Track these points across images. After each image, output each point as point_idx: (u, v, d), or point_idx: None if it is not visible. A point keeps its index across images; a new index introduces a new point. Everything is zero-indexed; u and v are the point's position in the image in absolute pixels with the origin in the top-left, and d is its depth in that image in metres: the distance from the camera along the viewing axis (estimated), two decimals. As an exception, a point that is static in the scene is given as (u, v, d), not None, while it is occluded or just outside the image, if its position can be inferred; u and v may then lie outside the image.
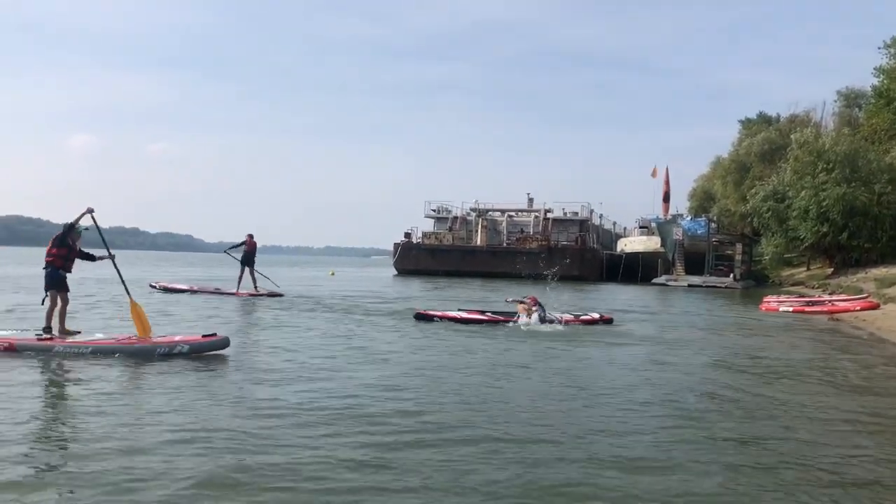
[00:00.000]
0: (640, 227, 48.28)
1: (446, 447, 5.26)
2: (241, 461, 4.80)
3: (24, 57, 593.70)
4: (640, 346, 11.54)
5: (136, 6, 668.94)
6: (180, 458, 4.84)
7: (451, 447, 5.26)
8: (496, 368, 8.87)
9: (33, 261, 55.88)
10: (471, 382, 7.85)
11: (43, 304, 9.65)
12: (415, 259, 45.54)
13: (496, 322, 13.86)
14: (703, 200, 58.98)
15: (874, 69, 38.16)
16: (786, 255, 43.95)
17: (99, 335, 9.62)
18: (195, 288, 21.06)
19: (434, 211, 50.76)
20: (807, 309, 19.97)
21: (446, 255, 45.03)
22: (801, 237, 34.49)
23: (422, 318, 14.19)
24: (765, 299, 22.21)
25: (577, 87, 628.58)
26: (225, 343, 9.07)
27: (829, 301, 20.89)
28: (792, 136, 37.90)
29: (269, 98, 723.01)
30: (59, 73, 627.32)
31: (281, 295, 19.96)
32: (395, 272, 45.18)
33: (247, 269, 20.66)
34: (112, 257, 9.90)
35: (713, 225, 46.46)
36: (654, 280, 41.31)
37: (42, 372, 8.02)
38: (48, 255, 9.57)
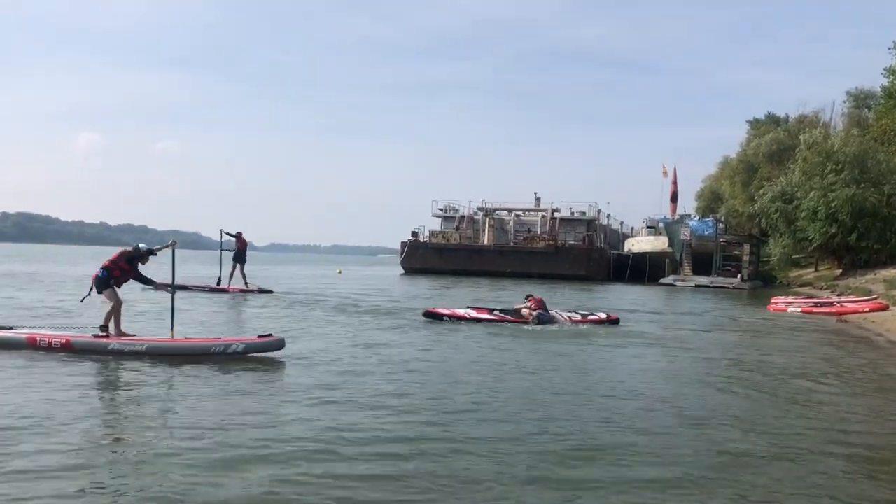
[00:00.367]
0: (648, 227, 48.13)
1: (455, 450, 5.33)
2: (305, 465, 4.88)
3: (31, 55, 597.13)
4: (647, 347, 11.56)
5: (141, 5, 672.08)
6: (243, 460, 4.89)
7: (462, 450, 5.32)
8: (502, 369, 8.92)
9: (42, 258, 56.01)
10: (472, 381, 7.91)
11: (82, 301, 9.90)
12: (422, 258, 45.57)
13: (504, 321, 13.93)
14: (710, 201, 58.82)
15: (884, 70, 37.94)
16: (794, 256, 43.81)
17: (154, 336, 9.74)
18: (189, 286, 21.12)
19: (441, 210, 50.79)
20: (815, 310, 19.92)
21: (453, 254, 45.05)
22: (810, 238, 34.38)
23: (431, 316, 14.28)
24: (773, 300, 22.15)
25: (584, 87, 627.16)
26: (280, 344, 9.07)
27: (838, 302, 20.84)
28: (801, 137, 37.74)
29: (276, 97, 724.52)
30: (65, 71, 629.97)
31: (270, 291, 20.45)
32: (402, 271, 45.28)
33: (237, 266, 21.05)
34: (173, 291, 9.54)
35: (721, 225, 46.34)
36: (662, 280, 41.23)
37: (98, 370, 8.16)
38: (113, 264, 9.65)
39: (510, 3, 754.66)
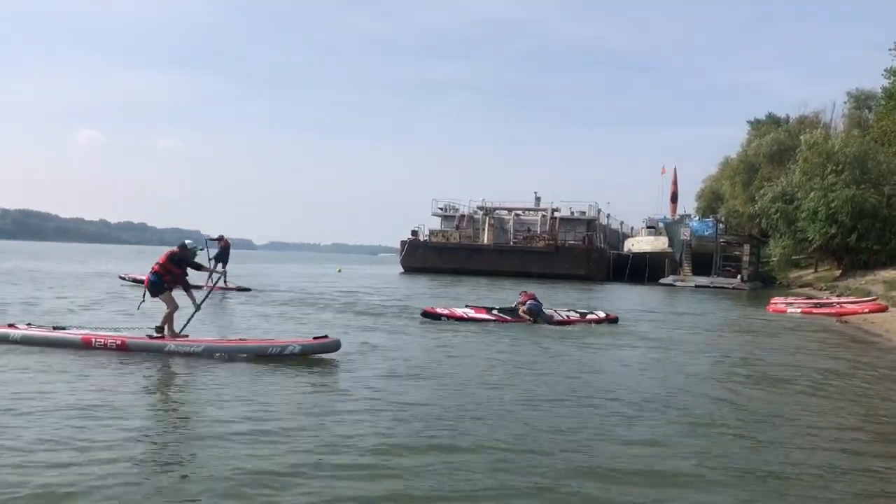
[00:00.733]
0: (648, 227, 48.14)
1: (454, 453, 5.30)
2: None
3: (32, 53, 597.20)
4: (646, 347, 11.52)
5: (141, 5, 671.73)
6: (301, 457, 4.92)
7: (459, 453, 5.29)
8: (501, 369, 8.90)
9: (43, 255, 55.80)
10: (471, 381, 7.89)
11: (139, 308, 9.97)
12: (421, 257, 45.59)
13: (502, 321, 13.90)
14: (711, 201, 58.79)
15: (885, 71, 37.91)
16: (794, 257, 43.78)
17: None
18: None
19: (441, 209, 50.80)
20: (815, 310, 19.91)
21: (453, 253, 45.06)
22: (810, 239, 34.38)
23: (429, 316, 14.22)
24: (772, 300, 22.14)
25: (584, 86, 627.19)
26: (336, 346, 9.02)
27: (838, 303, 20.84)
28: (801, 138, 37.73)
29: (277, 96, 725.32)
30: (66, 69, 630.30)
31: (248, 290, 21.22)
32: (402, 270, 45.27)
33: (219, 265, 21.42)
34: (210, 287, 9.70)
35: (721, 226, 46.35)
36: (662, 280, 41.24)
37: (155, 370, 8.14)
38: (162, 268, 9.66)
39: (510, 3, 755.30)
